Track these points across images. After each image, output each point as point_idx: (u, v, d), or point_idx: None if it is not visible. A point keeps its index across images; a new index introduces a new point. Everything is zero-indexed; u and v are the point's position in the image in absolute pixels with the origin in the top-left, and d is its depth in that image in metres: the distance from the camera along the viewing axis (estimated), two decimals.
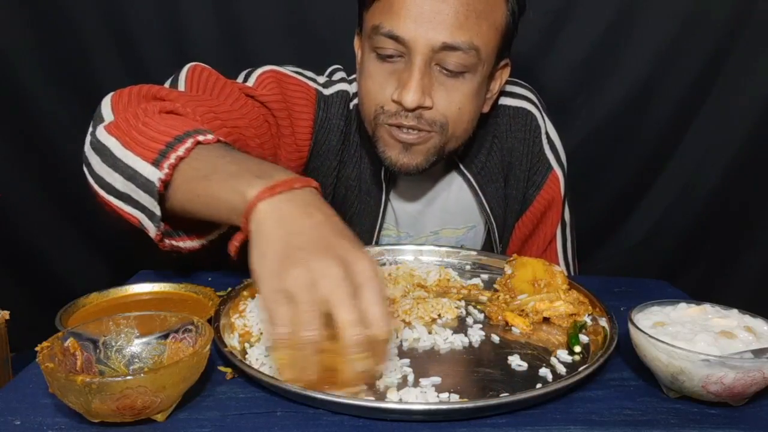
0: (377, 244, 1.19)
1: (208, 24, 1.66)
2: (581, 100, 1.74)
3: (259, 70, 1.11)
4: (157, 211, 0.83)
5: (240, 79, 1.11)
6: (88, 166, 0.90)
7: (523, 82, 1.26)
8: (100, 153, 0.88)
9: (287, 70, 1.15)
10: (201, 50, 1.67)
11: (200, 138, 0.81)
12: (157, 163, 0.81)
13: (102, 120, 0.92)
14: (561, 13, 1.67)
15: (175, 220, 0.88)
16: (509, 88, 1.21)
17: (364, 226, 1.19)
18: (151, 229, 0.86)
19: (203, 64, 1.07)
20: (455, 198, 1.23)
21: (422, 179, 1.18)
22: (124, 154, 0.85)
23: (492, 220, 1.21)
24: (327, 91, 1.16)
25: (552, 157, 1.23)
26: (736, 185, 1.81)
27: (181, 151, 0.80)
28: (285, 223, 0.67)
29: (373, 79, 1.03)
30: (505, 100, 1.21)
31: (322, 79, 1.19)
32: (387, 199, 1.20)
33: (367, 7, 1.03)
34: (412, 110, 1.00)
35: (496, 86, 1.12)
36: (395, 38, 0.98)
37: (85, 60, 1.67)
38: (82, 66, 1.68)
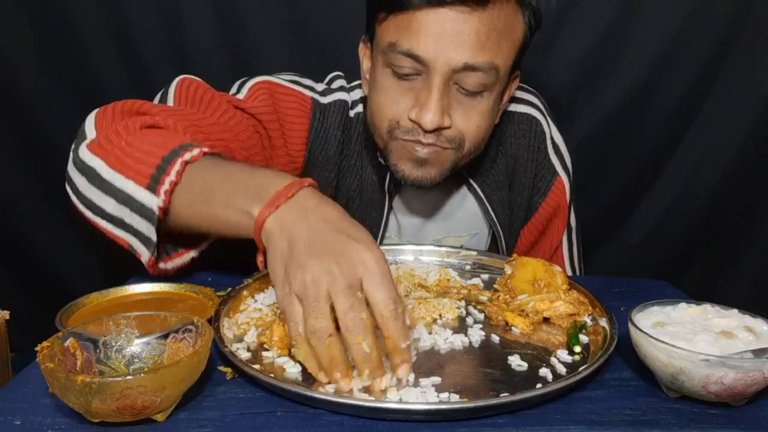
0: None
1: (208, 24, 1.65)
2: (581, 100, 1.74)
3: (252, 81, 1.10)
4: (154, 237, 0.86)
5: (234, 88, 1.11)
6: (73, 186, 0.90)
7: (527, 87, 1.25)
8: (85, 174, 0.88)
9: (282, 79, 1.13)
10: (201, 50, 1.66)
11: (187, 157, 0.83)
12: (152, 189, 0.83)
13: (85, 138, 0.92)
14: (561, 14, 1.67)
15: (167, 236, 0.90)
16: (514, 93, 1.19)
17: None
18: (145, 254, 0.88)
19: (192, 77, 1.06)
20: (460, 207, 1.22)
21: (428, 189, 1.15)
22: (114, 177, 0.85)
23: (498, 228, 1.20)
24: (324, 100, 1.14)
25: (557, 163, 1.22)
26: (736, 185, 1.81)
27: (173, 175, 0.82)
28: (286, 233, 0.70)
29: (388, 95, 1.01)
30: (509, 106, 1.20)
31: (320, 87, 1.17)
32: (390, 210, 1.18)
33: (381, 21, 1.00)
34: (431, 131, 0.98)
35: (506, 97, 1.12)
36: (414, 57, 0.95)
37: (86, 60, 1.67)
38: (82, 66, 1.68)
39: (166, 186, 0.82)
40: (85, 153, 0.89)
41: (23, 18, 1.63)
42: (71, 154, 0.92)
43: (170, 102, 1.02)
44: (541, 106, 1.23)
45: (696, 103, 1.75)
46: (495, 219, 1.20)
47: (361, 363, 0.66)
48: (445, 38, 0.93)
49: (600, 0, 1.66)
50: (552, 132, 1.23)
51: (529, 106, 1.22)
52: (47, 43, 1.66)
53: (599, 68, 1.71)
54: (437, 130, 0.99)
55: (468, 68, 0.95)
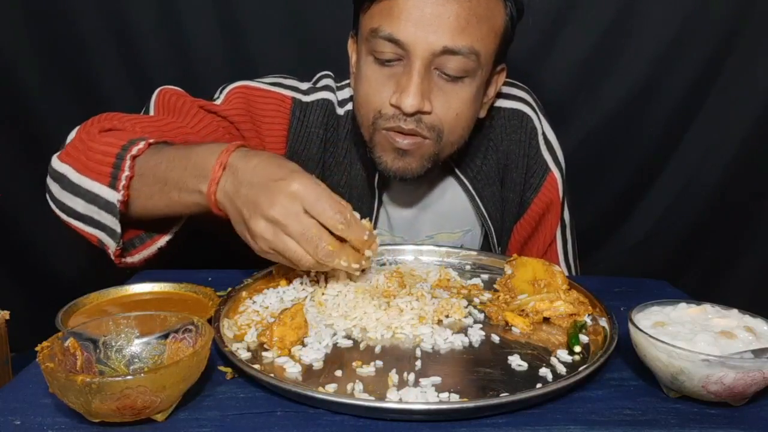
0: None
1: (208, 24, 1.65)
2: (581, 100, 1.74)
3: (230, 87, 1.15)
4: (118, 228, 0.94)
5: (216, 94, 1.15)
6: (50, 193, 1.00)
7: (518, 83, 1.25)
8: (58, 181, 0.97)
9: (262, 83, 1.16)
10: (201, 50, 1.67)
11: (134, 151, 0.91)
12: (112, 186, 0.92)
13: (62, 149, 1.01)
14: (561, 14, 1.67)
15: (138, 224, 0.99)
16: (505, 89, 1.20)
17: None
18: (111, 245, 0.96)
19: (170, 87, 1.12)
20: (451, 202, 1.22)
21: (417, 184, 1.18)
22: (81, 180, 0.95)
23: (489, 224, 1.20)
24: (307, 99, 1.16)
25: (549, 159, 1.22)
26: (736, 185, 1.81)
27: (126, 170, 0.91)
28: (232, 201, 0.83)
29: (371, 83, 1.02)
30: (500, 102, 1.20)
31: (304, 86, 1.19)
32: (380, 205, 1.19)
33: (365, 10, 1.02)
34: (411, 115, 0.99)
35: (492, 91, 1.12)
36: (395, 42, 0.97)
37: (86, 60, 1.67)
38: (82, 66, 1.68)
39: (123, 181, 0.91)
40: (56, 162, 0.99)
41: (23, 18, 1.64)
42: (49, 166, 1.00)
43: (152, 112, 1.10)
44: (532, 102, 1.23)
45: (696, 103, 1.75)
46: (486, 215, 1.20)
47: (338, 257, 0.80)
48: (424, 22, 0.95)
49: (600, 0, 1.66)
50: (544, 127, 1.23)
51: (519, 102, 1.22)
52: (47, 43, 1.66)
53: (599, 68, 1.71)
54: (417, 114, 0.99)
55: (448, 52, 0.96)
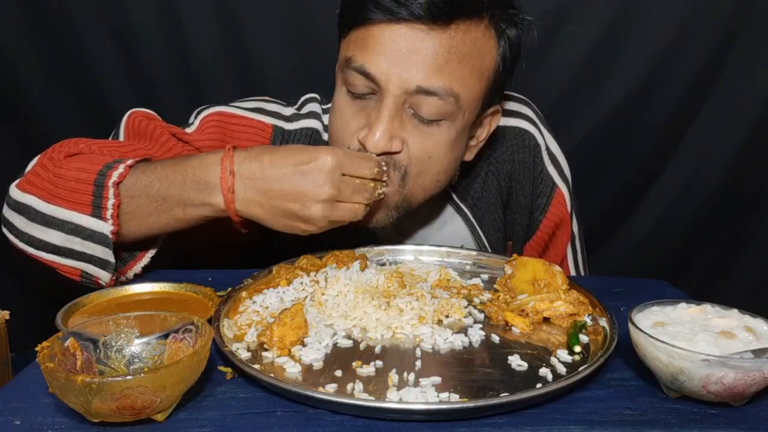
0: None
1: (209, 24, 1.66)
2: (581, 100, 1.75)
3: (205, 112, 1.08)
4: (112, 259, 0.89)
5: (192, 117, 1.09)
6: (11, 226, 0.92)
7: (516, 95, 1.19)
8: (23, 212, 0.89)
9: (241, 108, 1.09)
10: (201, 51, 1.67)
11: (115, 177, 0.86)
12: (97, 216, 0.86)
13: (21, 177, 0.94)
14: (561, 14, 1.67)
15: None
16: (502, 104, 1.12)
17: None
18: (104, 276, 0.91)
19: (140, 110, 1.06)
20: (450, 233, 1.16)
21: (414, 215, 1.08)
22: (54, 210, 0.88)
23: (489, 251, 1.15)
24: (290, 126, 1.10)
25: (555, 173, 1.17)
26: (736, 185, 1.81)
27: (111, 198, 0.86)
28: (264, 200, 0.83)
29: (342, 115, 0.96)
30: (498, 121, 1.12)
31: (288, 112, 1.12)
32: (373, 237, 1.09)
33: (344, 36, 0.96)
34: (379, 155, 0.92)
35: (483, 133, 1.05)
36: (366, 74, 0.90)
37: (86, 61, 1.67)
38: (82, 66, 1.68)
39: (110, 210, 0.86)
40: (15, 192, 0.91)
41: (23, 18, 1.64)
42: (6, 197, 0.93)
43: (121, 137, 1.04)
44: (532, 116, 1.17)
45: (696, 103, 1.75)
46: (486, 244, 1.15)
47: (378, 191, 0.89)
48: (398, 57, 0.88)
49: (600, 0, 1.66)
50: (547, 141, 1.17)
51: (519, 118, 1.15)
52: (47, 43, 1.66)
53: (599, 68, 1.71)
54: (384, 154, 0.92)
55: (422, 92, 0.89)
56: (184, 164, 0.87)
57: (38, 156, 0.97)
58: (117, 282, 0.96)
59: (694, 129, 1.78)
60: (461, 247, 1.13)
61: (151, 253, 0.98)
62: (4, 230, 0.94)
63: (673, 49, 1.68)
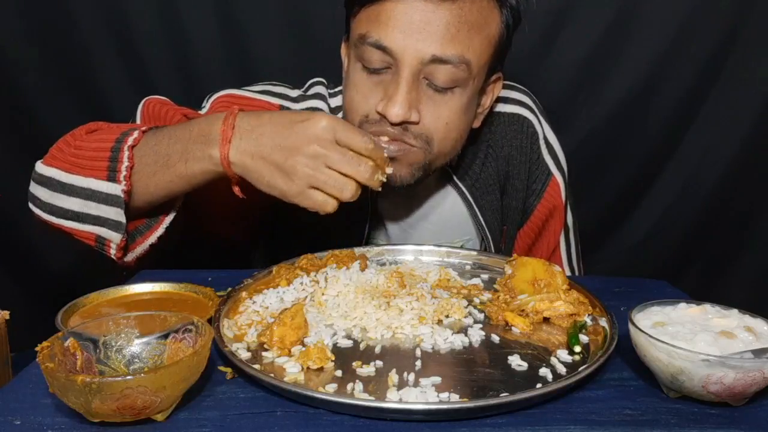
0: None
1: (209, 24, 1.66)
2: (581, 100, 1.75)
3: (216, 95, 1.14)
4: (123, 219, 0.91)
5: (204, 102, 1.14)
6: (35, 199, 0.96)
7: (518, 86, 1.23)
8: (46, 185, 0.94)
9: (249, 91, 1.14)
10: (201, 51, 1.67)
11: (130, 141, 0.90)
12: (112, 179, 0.89)
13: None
14: (561, 14, 1.67)
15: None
16: (504, 92, 1.17)
17: (352, 240, 1.14)
18: (115, 238, 0.93)
19: (156, 97, 1.10)
20: (449, 212, 1.19)
21: (414, 193, 1.14)
22: (74, 179, 0.92)
23: (487, 233, 1.18)
24: (296, 107, 1.14)
25: (551, 163, 1.20)
26: (736, 185, 1.82)
27: (125, 161, 0.89)
28: (255, 152, 0.83)
29: (358, 90, 1.00)
30: (499, 107, 1.18)
31: (294, 93, 1.16)
32: (373, 213, 1.16)
33: (354, 14, 0.99)
34: (398, 124, 0.96)
35: (487, 101, 1.09)
36: (382, 49, 0.94)
37: (86, 61, 1.67)
38: (82, 67, 1.68)
39: (123, 172, 0.89)
40: (40, 167, 0.96)
41: (23, 18, 1.64)
42: (32, 173, 0.97)
43: (138, 121, 1.08)
44: (533, 105, 1.21)
45: (696, 103, 1.75)
46: (484, 224, 1.18)
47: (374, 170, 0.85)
48: (413, 29, 0.92)
49: (600, 0, 1.66)
50: (545, 131, 1.20)
51: (519, 105, 1.19)
52: (47, 43, 1.66)
53: (599, 68, 1.71)
54: (403, 123, 0.97)
55: (437, 61, 0.94)
56: (192, 123, 0.90)
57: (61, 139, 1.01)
58: (123, 262, 0.98)
59: (694, 129, 1.78)
60: (461, 247, 1.13)
61: (150, 240, 0.99)
62: (30, 205, 0.98)
63: (673, 49, 1.68)
